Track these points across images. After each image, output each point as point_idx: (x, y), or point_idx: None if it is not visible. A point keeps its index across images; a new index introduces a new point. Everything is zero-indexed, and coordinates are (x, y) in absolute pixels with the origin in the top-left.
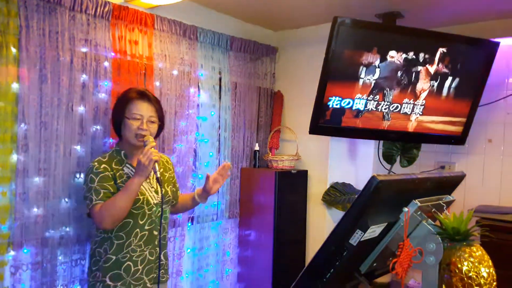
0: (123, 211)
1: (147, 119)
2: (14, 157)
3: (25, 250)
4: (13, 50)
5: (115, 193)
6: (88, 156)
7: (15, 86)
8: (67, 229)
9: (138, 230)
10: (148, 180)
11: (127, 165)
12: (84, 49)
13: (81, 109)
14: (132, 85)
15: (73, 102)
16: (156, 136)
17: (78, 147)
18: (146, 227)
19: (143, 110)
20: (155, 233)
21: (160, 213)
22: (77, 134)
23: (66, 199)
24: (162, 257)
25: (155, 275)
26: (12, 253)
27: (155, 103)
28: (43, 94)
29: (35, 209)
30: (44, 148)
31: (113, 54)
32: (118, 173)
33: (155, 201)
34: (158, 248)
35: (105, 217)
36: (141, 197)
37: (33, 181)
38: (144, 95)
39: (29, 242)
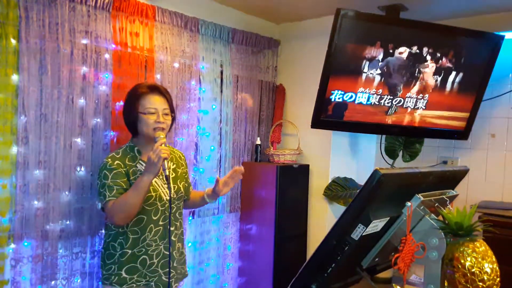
0: (134, 208)
1: (161, 111)
2: (14, 150)
3: (25, 243)
4: (13, 41)
5: (128, 189)
6: (88, 149)
7: (15, 77)
8: (68, 222)
9: (152, 225)
10: (160, 177)
11: (140, 161)
12: (84, 41)
13: (81, 101)
14: (133, 78)
15: (73, 95)
16: (170, 128)
17: (78, 140)
18: (161, 223)
19: (156, 103)
20: (171, 228)
21: (174, 209)
22: (78, 127)
23: (67, 192)
24: (181, 251)
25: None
26: (12, 246)
27: (167, 95)
28: (43, 86)
29: (36, 202)
30: (45, 140)
31: (113, 46)
32: (131, 170)
33: (168, 197)
34: (174, 243)
35: (117, 214)
36: (153, 194)
37: (34, 173)
38: (155, 89)
39: (30, 235)
